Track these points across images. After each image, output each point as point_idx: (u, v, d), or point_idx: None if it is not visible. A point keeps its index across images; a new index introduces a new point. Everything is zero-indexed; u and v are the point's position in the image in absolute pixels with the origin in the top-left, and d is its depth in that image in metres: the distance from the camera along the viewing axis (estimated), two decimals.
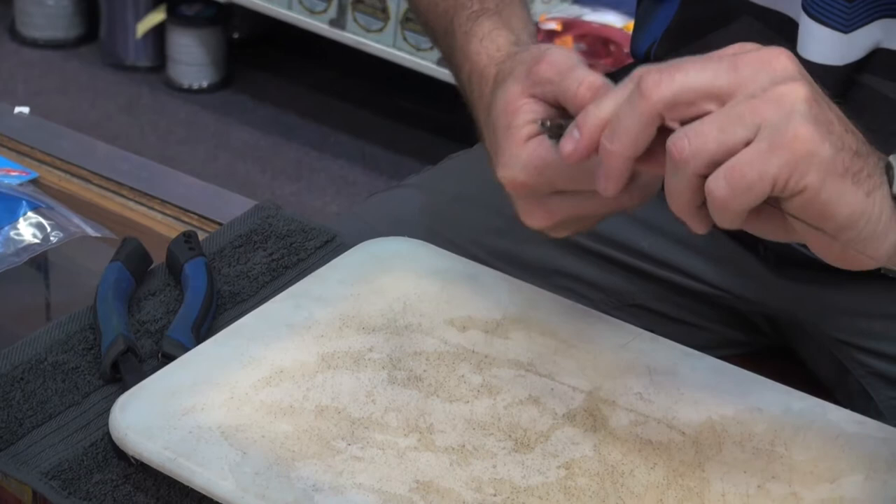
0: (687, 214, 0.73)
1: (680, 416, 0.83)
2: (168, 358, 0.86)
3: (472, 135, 0.90)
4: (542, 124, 0.78)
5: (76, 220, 1.03)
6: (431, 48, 2.53)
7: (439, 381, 0.84)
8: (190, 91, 2.94)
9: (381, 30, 2.60)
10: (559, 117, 0.78)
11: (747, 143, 0.69)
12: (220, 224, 1.07)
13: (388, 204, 1.14)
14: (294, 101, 2.93)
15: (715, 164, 0.70)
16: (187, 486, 0.77)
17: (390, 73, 2.71)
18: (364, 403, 0.82)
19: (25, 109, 1.25)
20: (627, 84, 0.73)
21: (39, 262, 1.02)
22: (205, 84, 2.95)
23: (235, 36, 3.04)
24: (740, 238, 1.05)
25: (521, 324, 0.89)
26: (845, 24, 0.91)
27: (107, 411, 0.81)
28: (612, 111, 0.73)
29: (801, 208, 0.71)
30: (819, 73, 0.76)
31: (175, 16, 2.89)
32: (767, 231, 0.73)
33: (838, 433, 0.82)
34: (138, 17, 2.94)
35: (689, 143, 0.70)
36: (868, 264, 0.73)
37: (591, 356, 0.87)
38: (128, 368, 0.85)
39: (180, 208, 1.12)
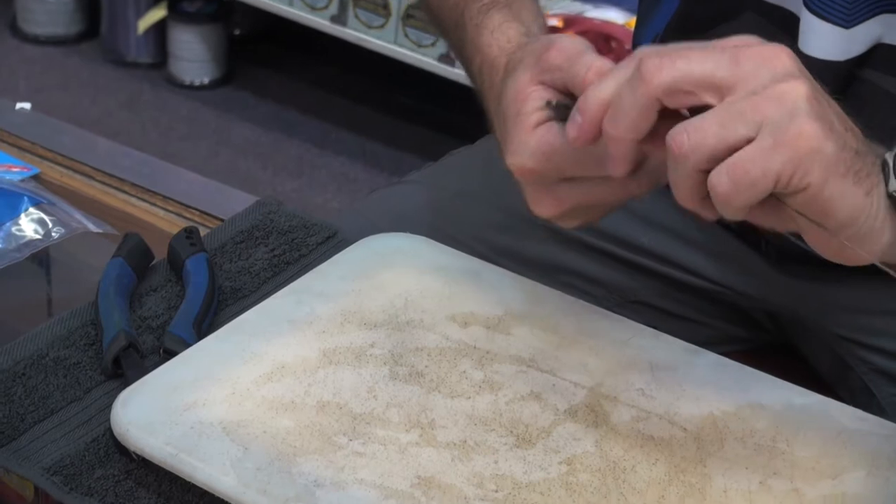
0: (691, 205, 0.73)
1: (682, 412, 0.83)
2: (169, 353, 0.86)
3: (473, 131, 0.90)
4: (548, 104, 0.78)
5: (78, 215, 1.03)
6: (433, 45, 2.53)
7: (441, 377, 0.84)
8: (191, 87, 2.94)
9: (382, 26, 2.60)
10: (566, 99, 0.78)
11: (748, 141, 0.69)
12: (221, 220, 1.07)
13: (390, 200, 1.14)
14: (295, 98, 2.93)
15: (715, 160, 0.70)
16: (189, 482, 0.77)
17: (391, 70, 2.71)
18: (365, 399, 0.82)
19: (27, 105, 1.25)
20: (629, 64, 0.73)
21: (41, 257, 1.02)
22: (206, 80, 2.95)
23: (236, 32, 3.04)
24: (742, 235, 1.05)
25: (523, 320, 0.89)
26: (846, 20, 0.91)
27: (108, 407, 0.81)
28: (612, 93, 0.73)
29: (803, 205, 0.71)
30: (820, 69, 0.76)
31: (176, 12, 2.89)
32: (768, 221, 0.73)
33: (840, 430, 0.82)
34: (139, 13, 2.94)
35: (689, 138, 0.70)
36: (863, 260, 0.73)
37: (593, 352, 0.87)
38: (129, 364, 0.85)
39: (182, 204, 1.12)
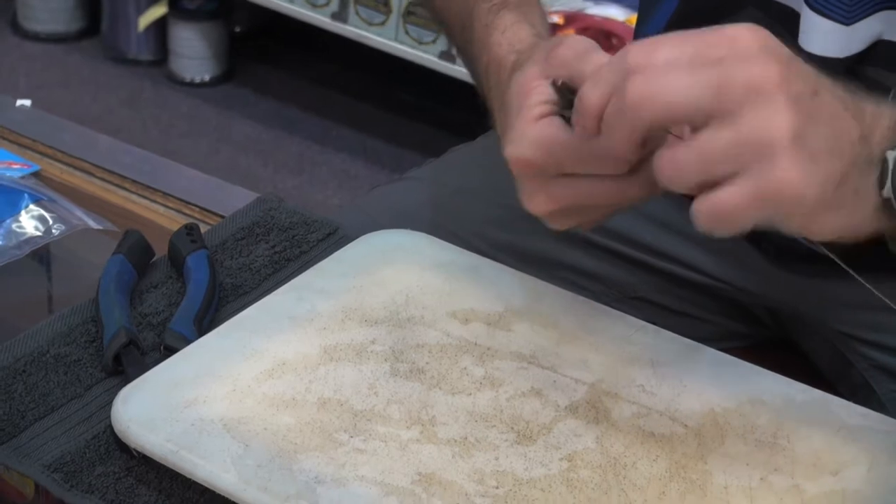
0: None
1: (682, 408, 0.83)
2: (170, 350, 0.86)
3: (474, 128, 0.90)
4: (553, 84, 0.78)
5: (78, 212, 1.03)
6: (433, 42, 2.53)
7: (441, 374, 0.84)
8: (192, 84, 2.94)
9: (383, 23, 2.60)
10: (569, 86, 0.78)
11: (731, 175, 0.69)
12: (222, 217, 1.07)
13: (391, 196, 1.14)
14: (296, 95, 2.93)
15: (699, 188, 0.70)
16: (189, 479, 0.77)
17: (392, 67, 2.71)
18: (366, 396, 0.82)
19: (27, 102, 1.25)
20: (618, 66, 0.71)
21: (41, 254, 1.02)
22: (207, 77, 2.95)
23: (237, 29, 3.04)
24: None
25: (524, 316, 0.89)
26: (847, 16, 0.91)
27: (109, 404, 0.81)
28: (603, 99, 0.72)
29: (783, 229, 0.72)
30: (820, 66, 0.76)
31: (177, 9, 2.90)
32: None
33: (841, 426, 0.82)
34: (140, 10, 2.94)
35: (672, 170, 0.70)
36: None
37: (594, 348, 0.87)
38: (130, 361, 0.85)
39: (182, 201, 1.12)
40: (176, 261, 0.95)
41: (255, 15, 2.99)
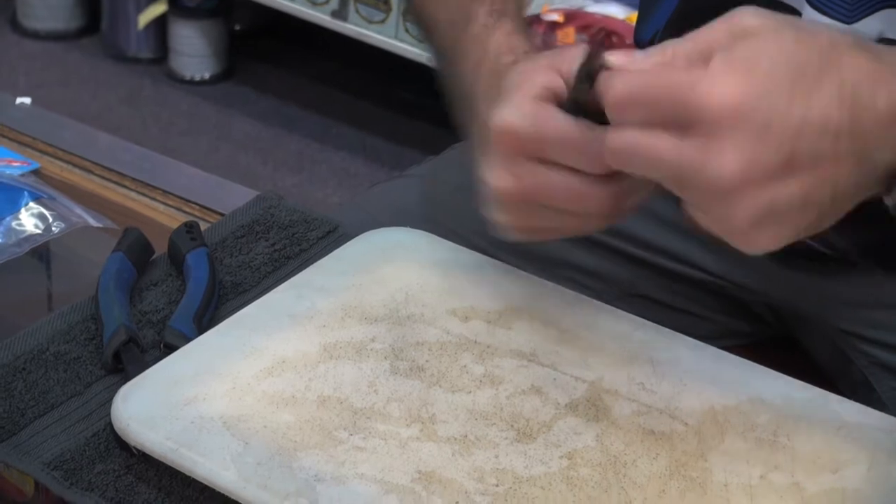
0: None
1: (682, 406, 0.83)
2: (170, 348, 0.86)
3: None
4: (588, 51, 0.74)
5: (78, 210, 1.03)
6: None
7: (441, 372, 0.84)
8: (192, 82, 2.94)
9: (382, 21, 2.60)
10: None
11: None
12: (221, 214, 1.07)
13: (390, 194, 1.14)
14: (296, 93, 2.93)
15: None
16: (189, 477, 0.77)
17: (392, 65, 2.71)
18: (366, 394, 0.82)
19: (27, 100, 1.25)
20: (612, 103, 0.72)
21: (41, 252, 1.02)
22: (206, 75, 2.95)
23: (237, 27, 3.05)
24: None
25: (524, 314, 0.89)
26: (847, 15, 0.91)
27: (109, 401, 0.81)
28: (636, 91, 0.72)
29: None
30: None
31: (176, 7, 2.90)
32: None
33: (841, 423, 0.82)
34: (140, 8, 2.94)
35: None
36: None
37: (594, 346, 0.87)
38: (130, 359, 0.85)
39: (182, 199, 1.12)
40: (176, 258, 0.95)
41: (255, 13, 2.99)
